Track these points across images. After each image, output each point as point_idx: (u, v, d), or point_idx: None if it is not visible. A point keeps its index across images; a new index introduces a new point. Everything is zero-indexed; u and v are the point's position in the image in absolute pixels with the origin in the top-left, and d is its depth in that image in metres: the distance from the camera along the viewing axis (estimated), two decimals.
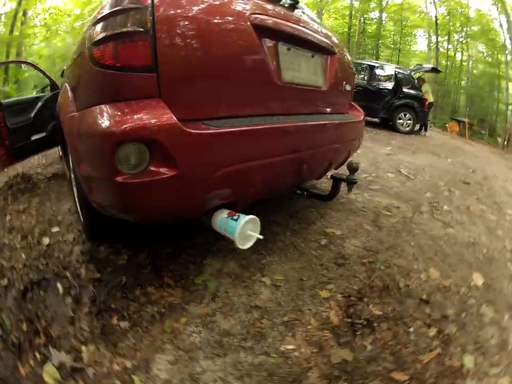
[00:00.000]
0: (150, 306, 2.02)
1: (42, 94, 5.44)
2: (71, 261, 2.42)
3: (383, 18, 30.68)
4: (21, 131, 4.61)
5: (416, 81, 12.33)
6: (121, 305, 2.01)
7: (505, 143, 20.67)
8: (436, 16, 28.78)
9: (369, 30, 30.38)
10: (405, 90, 11.73)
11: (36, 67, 5.94)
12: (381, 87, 11.90)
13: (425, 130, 12.58)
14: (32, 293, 2.09)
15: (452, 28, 29.00)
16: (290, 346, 1.84)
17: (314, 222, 3.15)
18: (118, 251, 2.49)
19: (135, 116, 1.55)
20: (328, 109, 2.80)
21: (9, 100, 5.39)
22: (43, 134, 4.80)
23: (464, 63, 31.13)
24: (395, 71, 11.99)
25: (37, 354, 1.66)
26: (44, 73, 5.56)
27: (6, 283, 2.19)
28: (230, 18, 1.88)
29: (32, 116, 4.78)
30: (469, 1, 27.71)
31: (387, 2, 29.40)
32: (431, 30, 29.68)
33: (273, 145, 2.08)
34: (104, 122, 1.58)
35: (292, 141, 2.24)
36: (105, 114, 1.61)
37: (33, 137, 4.74)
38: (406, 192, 4.35)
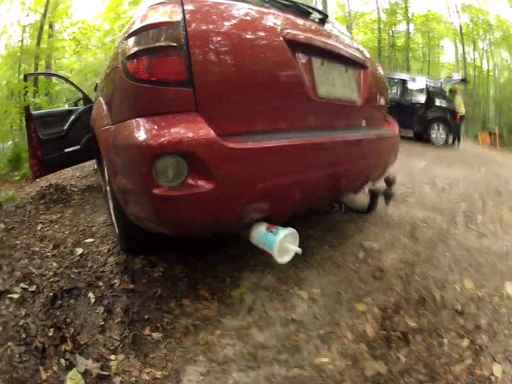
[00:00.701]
0: (185, 318, 2.02)
1: (75, 107, 5.55)
2: (105, 271, 2.44)
3: (411, 30, 30.57)
4: (53, 143, 4.73)
5: (447, 93, 12.28)
6: (155, 317, 2.02)
7: None
8: (460, 25, 28.58)
9: (398, 44, 30.15)
10: (437, 103, 11.71)
11: (67, 80, 6.08)
12: (414, 101, 11.81)
13: (459, 142, 12.38)
14: (61, 300, 2.10)
15: (476, 36, 28.69)
16: (325, 359, 1.84)
17: (352, 236, 3.12)
18: (154, 263, 2.50)
19: (172, 130, 1.58)
20: (363, 124, 2.78)
21: (40, 111, 5.50)
22: (77, 147, 4.89)
23: (491, 73, 30.56)
24: (426, 84, 11.92)
25: (62, 361, 1.67)
26: (76, 87, 5.69)
27: (34, 289, 2.21)
28: (262, 34, 1.91)
29: (65, 128, 4.88)
30: (488, 8, 27.20)
31: (412, 13, 29.32)
32: (457, 39, 29.50)
33: (310, 160, 2.07)
34: (141, 135, 1.61)
35: (328, 156, 2.23)
36: (141, 127, 1.64)
37: (66, 150, 4.84)
38: (442, 203, 4.33)
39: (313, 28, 2.29)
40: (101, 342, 1.82)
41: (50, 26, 19.74)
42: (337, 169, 2.32)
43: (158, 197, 1.59)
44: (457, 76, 15.34)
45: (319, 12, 2.56)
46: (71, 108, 5.93)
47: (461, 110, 12.20)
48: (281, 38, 1.95)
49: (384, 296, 2.32)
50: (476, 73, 29.82)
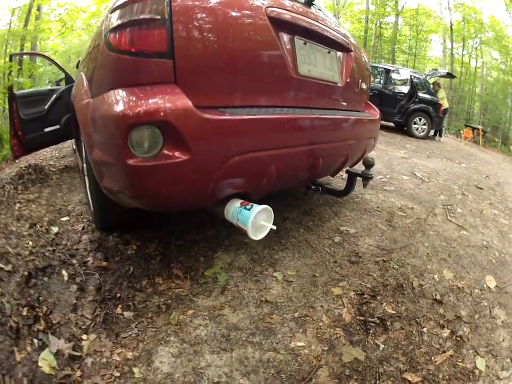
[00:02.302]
0: (157, 297, 1.99)
1: (57, 87, 5.42)
2: (79, 249, 2.40)
3: (399, 23, 30.43)
4: (34, 122, 4.60)
5: (431, 86, 12.16)
6: (127, 295, 1.99)
7: None
8: (450, 22, 28.46)
9: (386, 35, 30.00)
10: (420, 95, 11.53)
11: (50, 60, 5.91)
12: (397, 91, 11.61)
13: (440, 136, 12.38)
14: (36, 279, 2.03)
15: (466, 33, 28.58)
16: (301, 343, 1.79)
17: (328, 220, 3.11)
18: (127, 241, 2.48)
19: (149, 100, 1.53)
20: (344, 105, 2.77)
21: (23, 91, 5.36)
22: (56, 127, 4.77)
23: (479, 70, 30.76)
24: (411, 75, 11.77)
25: (35, 341, 1.61)
26: (59, 66, 5.55)
27: (10, 268, 2.11)
28: (247, 11, 1.88)
29: (46, 108, 4.75)
30: (483, 7, 27.48)
31: (403, 6, 29.17)
32: (446, 36, 29.35)
33: (288, 135, 2.05)
34: (118, 105, 1.57)
35: (307, 133, 2.21)
36: (119, 98, 1.59)
37: (47, 129, 4.72)
38: (420, 194, 4.30)
39: (298, 8, 2.27)
40: (73, 321, 1.78)
41: (38, 8, 19.64)
42: (314, 148, 2.30)
43: (132, 167, 1.55)
44: (443, 70, 15.30)
45: None
46: (53, 87, 5.66)
47: (444, 103, 12.09)
48: (265, 16, 1.94)
49: (360, 281, 2.30)
50: (463, 69, 29.80)
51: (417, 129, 11.42)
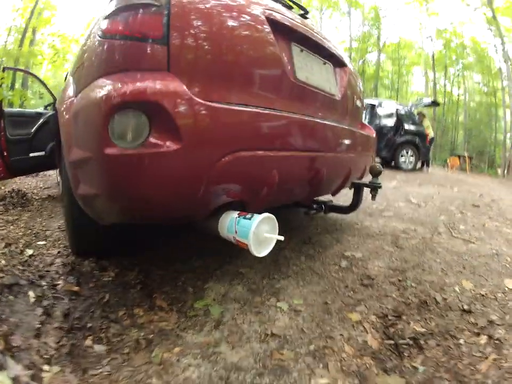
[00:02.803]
0: (135, 330, 1.73)
1: (44, 111, 5.31)
2: (50, 271, 2.23)
3: (381, 59, 31.40)
4: (20, 145, 4.52)
5: (417, 117, 12.29)
6: (99, 326, 1.74)
7: (505, 171, 20.75)
8: (433, 52, 29.48)
9: (368, 72, 30.72)
10: (407, 126, 11.57)
11: (40, 81, 5.91)
12: (383, 125, 11.55)
13: (428, 166, 12.47)
14: (1, 295, 1.85)
15: (448, 61, 29.65)
16: (324, 381, 1.50)
17: (330, 247, 2.99)
18: (104, 268, 2.31)
19: (136, 83, 1.42)
20: (342, 118, 2.72)
21: (11, 109, 5.31)
22: (42, 153, 4.66)
23: (462, 97, 31.71)
24: (396, 108, 11.87)
25: None
26: (48, 89, 5.55)
27: None
28: (247, 9, 1.89)
29: (32, 131, 4.66)
30: (463, 31, 28.53)
31: (384, 42, 30.22)
32: (428, 68, 30.30)
33: (289, 137, 1.98)
34: (101, 91, 1.46)
35: (308, 138, 2.17)
36: (104, 84, 1.49)
37: (32, 154, 4.62)
38: (420, 217, 4.31)
39: (295, 17, 2.30)
40: (35, 347, 1.53)
41: (34, 32, 20.78)
42: (316, 156, 2.25)
43: (111, 158, 1.41)
44: (427, 99, 15.67)
45: (302, 7, 2.69)
46: (40, 111, 5.51)
47: (430, 132, 12.31)
48: (263, 16, 1.95)
49: (379, 303, 2.13)
50: (446, 99, 30.77)
51: (405, 162, 11.41)
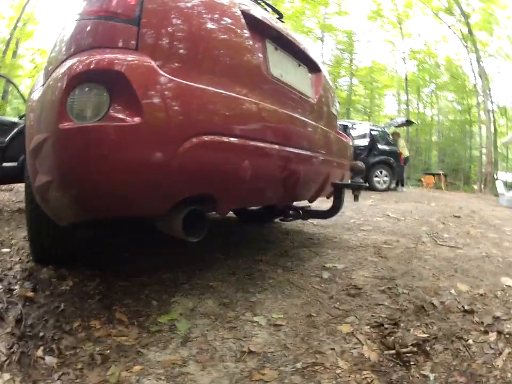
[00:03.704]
0: (90, 344, 1.61)
1: (19, 121, 5.25)
2: (7, 275, 2.17)
3: (354, 82, 32.03)
4: None
5: (391, 137, 12.63)
6: (52, 336, 1.64)
7: (482, 186, 21.34)
8: (405, 74, 30.20)
9: (341, 96, 30.63)
10: (380, 147, 11.81)
11: (17, 88, 6.20)
12: (355, 145, 11.63)
13: (402, 185, 12.64)
14: None
15: (421, 82, 30.57)
16: None
17: (309, 259, 2.88)
18: (63, 276, 2.19)
19: (100, 56, 1.44)
20: (318, 121, 2.69)
21: None
22: (14, 164, 4.56)
23: (435, 117, 32.75)
24: (369, 129, 12.16)
25: None
26: (23, 97, 5.57)
27: None
28: (223, 1, 1.98)
29: (6, 140, 4.58)
30: (437, 49, 29.45)
31: (357, 67, 30.92)
32: (401, 89, 31.27)
33: (262, 125, 1.98)
34: (63, 69, 1.46)
35: (281, 131, 2.16)
36: (69, 63, 1.46)
37: (4, 164, 4.54)
38: (401, 229, 4.26)
39: (271, 17, 2.38)
40: None
41: (17, 44, 21.72)
42: (293, 153, 2.22)
43: (65, 134, 1.38)
44: (401, 119, 16.08)
45: (277, 11, 2.85)
46: (15, 120, 5.48)
47: (405, 152, 12.61)
48: (238, 10, 2.01)
49: (371, 313, 2.01)
50: (419, 120, 31.17)
51: (379, 182, 11.54)
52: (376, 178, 11.55)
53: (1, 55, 20.68)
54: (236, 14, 1.98)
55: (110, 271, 2.36)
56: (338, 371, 1.49)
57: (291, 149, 2.18)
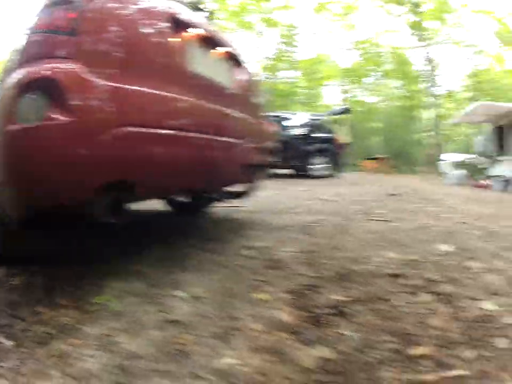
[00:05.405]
0: (38, 326, 1.84)
1: None
2: None
3: (296, 74, 33.25)
4: None
5: (329, 125, 13.18)
6: (9, 323, 1.91)
7: (427, 167, 22.34)
8: (349, 64, 31.76)
9: (282, 89, 31.57)
10: (318, 135, 12.32)
11: None
12: (294, 135, 12.17)
13: (340, 171, 13.04)
14: None
15: (365, 71, 31.89)
16: (233, 361, 1.46)
17: (234, 241, 3.09)
18: (14, 273, 2.47)
19: (42, 66, 1.78)
20: (237, 110, 3.01)
21: None
22: None
23: (380, 103, 34.02)
24: (308, 118, 12.78)
25: None
26: None
27: None
28: (149, 7, 2.35)
29: None
30: (385, 39, 30.81)
31: (299, 59, 31.95)
32: (345, 79, 32.58)
33: (177, 117, 2.31)
34: (13, 78, 1.81)
35: (199, 120, 2.50)
36: (18, 73, 1.82)
37: None
38: (331, 210, 4.54)
39: (195, 16, 2.74)
40: None
41: None
42: (209, 139, 2.56)
43: (12, 133, 1.73)
44: (340, 108, 16.77)
45: (206, 11, 3.23)
46: None
47: (344, 138, 13.16)
48: (166, 13, 2.39)
49: (289, 281, 2.20)
50: (362, 108, 32.08)
51: (317, 169, 11.91)
52: (314, 166, 11.91)
53: None
54: (164, 18, 2.34)
55: (52, 265, 2.61)
56: (254, 333, 1.62)
57: (208, 136, 2.52)
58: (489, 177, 12.61)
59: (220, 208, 4.32)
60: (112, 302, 2.04)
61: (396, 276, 2.14)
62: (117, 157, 1.93)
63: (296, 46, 31.48)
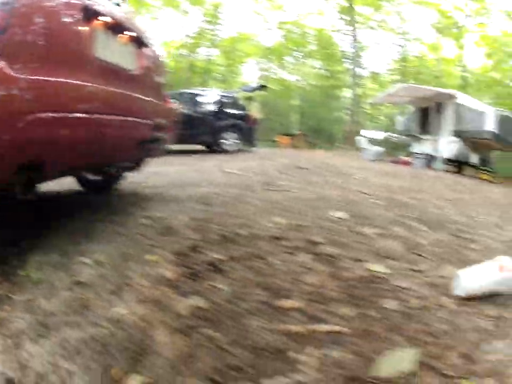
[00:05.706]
0: None
1: None
2: None
3: (215, 53, 33.25)
4: None
5: (243, 101, 13.38)
6: None
7: (344, 144, 23.01)
8: (270, 43, 32.10)
9: (199, 66, 32.21)
10: (229, 111, 12.56)
11: None
12: (205, 111, 12.41)
13: (252, 147, 13.29)
14: None
15: (285, 51, 32.51)
16: (123, 311, 1.75)
17: (134, 213, 3.28)
18: None
19: None
20: (140, 90, 3.22)
21: None
22: None
23: (300, 83, 34.40)
24: (219, 95, 12.92)
25: None
26: None
27: None
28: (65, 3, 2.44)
29: None
30: (311, 21, 31.35)
31: (220, 37, 32.13)
32: (265, 58, 33.19)
33: (83, 102, 2.46)
34: None
35: (102, 103, 2.67)
36: None
37: None
38: (235, 182, 4.72)
39: (105, 4, 2.89)
40: None
41: None
42: (113, 119, 2.77)
43: None
44: (254, 84, 16.84)
45: None
46: None
47: (256, 114, 13.39)
48: (80, 5, 2.52)
49: (178, 245, 2.45)
50: (280, 86, 32.87)
51: (228, 144, 12.12)
52: (225, 141, 12.13)
53: None
54: (76, 9, 2.47)
55: None
56: (142, 289, 1.91)
57: (109, 117, 2.72)
58: (411, 154, 13.37)
59: (127, 185, 4.47)
60: (34, 273, 2.28)
61: (278, 238, 2.34)
62: (28, 140, 2.11)
63: (219, 24, 31.60)
